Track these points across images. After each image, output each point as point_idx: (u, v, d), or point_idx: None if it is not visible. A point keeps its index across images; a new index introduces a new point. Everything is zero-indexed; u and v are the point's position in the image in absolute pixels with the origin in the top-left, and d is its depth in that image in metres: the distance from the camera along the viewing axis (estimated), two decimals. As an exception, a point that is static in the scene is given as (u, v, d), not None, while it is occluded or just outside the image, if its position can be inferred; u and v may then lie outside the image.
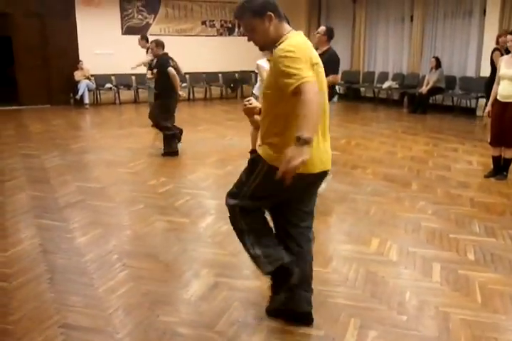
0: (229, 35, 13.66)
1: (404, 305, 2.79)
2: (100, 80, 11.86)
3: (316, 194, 2.63)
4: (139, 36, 9.21)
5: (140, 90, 11.98)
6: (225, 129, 8.40)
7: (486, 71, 9.68)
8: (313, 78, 2.06)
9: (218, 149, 6.97)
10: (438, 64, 10.30)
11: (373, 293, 2.92)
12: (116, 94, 12.10)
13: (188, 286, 3.02)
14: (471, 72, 10.33)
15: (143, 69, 8.89)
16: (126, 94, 12.24)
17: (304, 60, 2.11)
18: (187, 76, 12.52)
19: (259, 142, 2.49)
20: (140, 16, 12.47)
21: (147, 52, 8.45)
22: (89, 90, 11.60)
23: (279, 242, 2.52)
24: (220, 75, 13.38)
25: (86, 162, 6.37)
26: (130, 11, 12.32)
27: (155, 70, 6.58)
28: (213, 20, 13.42)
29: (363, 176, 5.59)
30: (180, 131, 6.76)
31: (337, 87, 7.55)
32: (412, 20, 11.36)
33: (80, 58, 11.61)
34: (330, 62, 5.17)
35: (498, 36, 7.69)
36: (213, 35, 13.45)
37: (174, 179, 5.50)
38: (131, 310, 2.74)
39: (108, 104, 12.06)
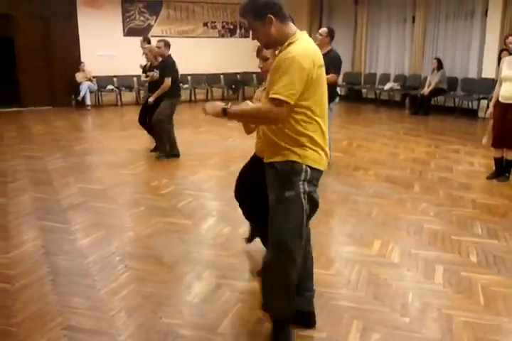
0: (230, 36, 13.68)
1: (406, 307, 2.79)
2: (102, 82, 11.88)
3: None
4: (141, 38, 9.20)
5: (142, 92, 11.97)
6: (227, 131, 8.40)
7: (487, 72, 9.73)
8: (289, 101, 2.09)
9: (220, 151, 6.97)
10: (440, 65, 10.29)
11: (376, 295, 2.91)
12: (118, 96, 12.11)
13: (191, 288, 3.02)
14: (472, 74, 10.33)
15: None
16: (128, 96, 12.25)
17: (301, 75, 2.09)
18: (188, 77, 12.55)
19: (268, 148, 2.33)
20: (142, 18, 12.48)
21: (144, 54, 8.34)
22: (91, 92, 11.63)
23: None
24: (221, 76, 13.39)
25: (88, 164, 6.38)
26: (132, 12, 12.34)
27: (155, 71, 6.56)
28: (215, 22, 13.43)
29: (365, 178, 5.59)
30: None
31: (338, 89, 7.53)
32: (413, 21, 11.36)
33: (82, 60, 11.64)
34: (332, 63, 5.20)
35: (506, 37, 7.74)
36: (215, 37, 13.46)
37: (176, 180, 5.51)
38: (133, 311, 2.74)
39: (110, 105, 12.08)
